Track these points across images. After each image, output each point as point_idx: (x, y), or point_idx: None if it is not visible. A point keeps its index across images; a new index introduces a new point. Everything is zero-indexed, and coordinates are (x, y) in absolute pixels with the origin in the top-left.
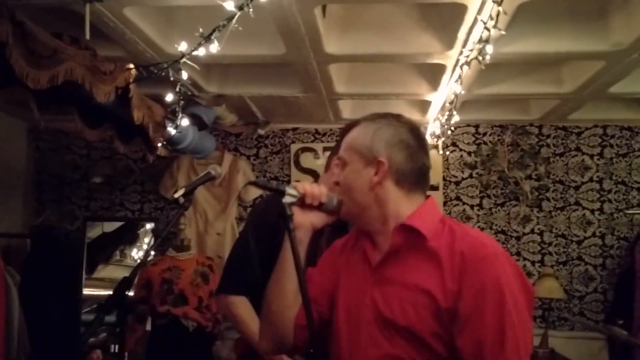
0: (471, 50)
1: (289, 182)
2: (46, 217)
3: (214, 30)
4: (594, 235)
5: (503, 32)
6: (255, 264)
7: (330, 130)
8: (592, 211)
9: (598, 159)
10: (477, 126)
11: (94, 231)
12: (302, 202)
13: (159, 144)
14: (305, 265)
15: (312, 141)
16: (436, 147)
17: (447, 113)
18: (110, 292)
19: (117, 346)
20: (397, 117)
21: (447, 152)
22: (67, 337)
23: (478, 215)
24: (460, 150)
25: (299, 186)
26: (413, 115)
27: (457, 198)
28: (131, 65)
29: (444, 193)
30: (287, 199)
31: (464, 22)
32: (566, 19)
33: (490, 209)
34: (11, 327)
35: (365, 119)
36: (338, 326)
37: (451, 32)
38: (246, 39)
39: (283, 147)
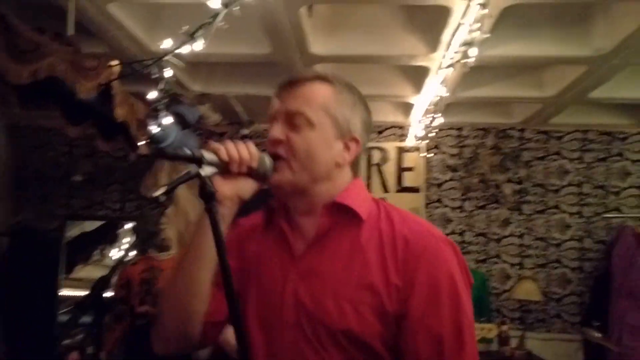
0: (455, 53)
1: None
2: (25, 216)
3: (199, 28)
4: (572, 238)
5: (487, 35)
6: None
7: None
8: (571, 214)
9: (577, 163)
10: (460, 129)
11: (74, 230)
12: (225, 169)
13: (141, 142)
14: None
15: None
16: (419, 149)
17: (430, 115)
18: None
19: (94, 347)
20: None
21: (430, 155)
22: (43, 337)
23: (459, 218)
24: (443, 152)
25: (220, 150)
26: (397, 117)
27: (439, 200)
28: (115, 62)
29: (426, 195)
30: (206, 171)
31: (449, 25)
32: (549, 24)
33: (471, 211)
34: None
35: (340, 83)
36: (249, 331)
37: (436, 35)
38: (231, 38)
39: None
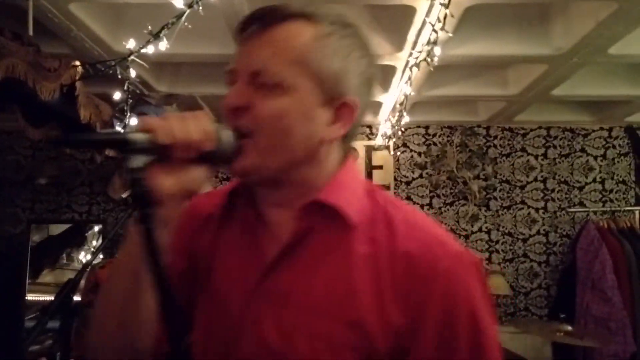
0: (420, 52)
1: None
2: None
3: (162, 28)
4: (538, 233)
5: (451, 35)
6: None
7: None
8: (537, 210)
9: (542, 160)
10: (427, 127)
11: (40, 234)
12: (166, 155)
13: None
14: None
15: None
16: (387, 147)
17: (397, 114)
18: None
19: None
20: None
21: (398, 153)
22: (10, 344)
23: (428, 214)
24: (411, 150)
25: (158, 128)
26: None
27: (408, 198)
28: (77, 63)
29: (395, 193)
30: (136, 160)
31: (413, 25)
32: (511, 24)
33: (439, 208)
34: None
35: (328, 21)
36: (196, 355)
37: (401, 34)
38: (197, 38)
39: None
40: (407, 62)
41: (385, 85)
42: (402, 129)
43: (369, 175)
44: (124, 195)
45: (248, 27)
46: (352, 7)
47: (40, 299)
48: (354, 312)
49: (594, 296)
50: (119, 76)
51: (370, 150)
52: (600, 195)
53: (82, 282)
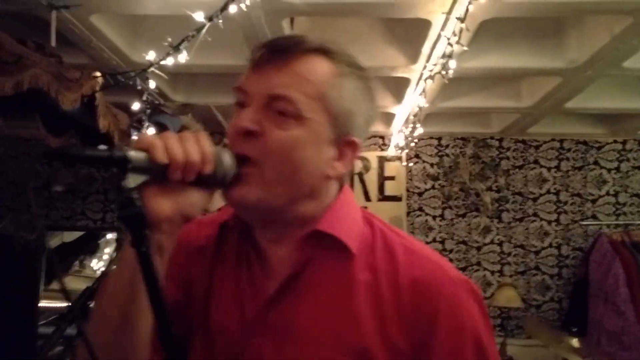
0: (435, 64)
1: None
2: (4, 226)
3: (183, 41)
4: (550, 245)
5: (465, 48)
6: None
7: None
8: (549, 222)
9: (555, 172)
10: (439, 138)
11: (54, 241)
12: (163, 176)
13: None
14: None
15: None
16: (400, 158)
17: (410, 125)
18: (69, 304)
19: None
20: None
21: (411, 164)
22: (23, 350)
23: (440, 226)
24: (423, 162)
25: (156, 147)
26: (378, 127)
27: (420, 209)
28: (98, 73)
29: (407, 204)
30: (132, 179)
31: (428, 38)
32: (525, 37)
33: (451, 219)
34: None
35: (345, 61)
36: None
37: (416, 47)
38: (213, 49)
39: None
40: (422, 74)
41: (399, 97)
42: (415, 140)
43: (381, 185)
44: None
45: (266, 53)
46: (367, 20)
47: (53, 305)
48: (358, 339)
49: (607, 310)
50: (139, 87)
51: (382, 161)
52: (614, 209)
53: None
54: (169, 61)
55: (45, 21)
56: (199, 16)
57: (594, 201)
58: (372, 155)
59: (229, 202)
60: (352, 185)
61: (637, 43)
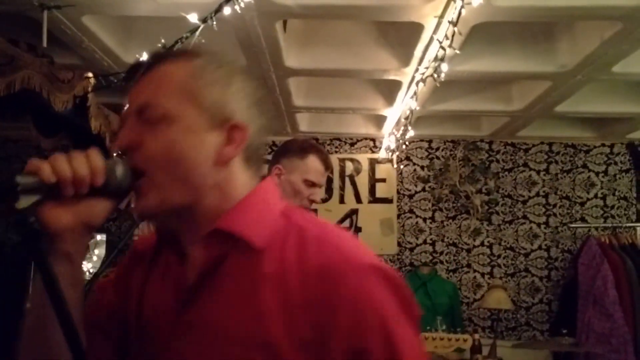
0: (427, 68)
1: None
2: None
3: (176, 42)
4: (540, 248)
5: (457, 51)
6: None
7: None
8: (539, 225)
9: (544, 175)
10: (430, 141)
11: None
12: (56, 193)
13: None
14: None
15: (269, 153)
16: (391, 160)
17: (402, 128)
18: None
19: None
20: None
21: (401, 166)
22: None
23: (430, 228)
24: (414, 164)
25: (42, 169)
26: (370, 129)
27: (411, 211)
28: (90, 74)
29: (397, 206)
30: (25, 201)
31: (421, 41)
32: (516, 41)
33: (442, 221)
34: None
35: (203, 58)
36: None
37: (408, 50)
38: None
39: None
40: (414, 77)
41: (391, 100)
42: (406, 143)
43: (372, 187)
44: (129, 205)
45: (132, 75)
46: (360, 23)
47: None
48: (263, 334)
49: (596, 312)
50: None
51: (374, 163)
52: (602, 211)
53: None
54: None
55: (36, 22)
56: (193, 18)
57: (582, 204)
58: (363, 158)
59: (137, 217)
60: (343, 187)
61: (626, 48)
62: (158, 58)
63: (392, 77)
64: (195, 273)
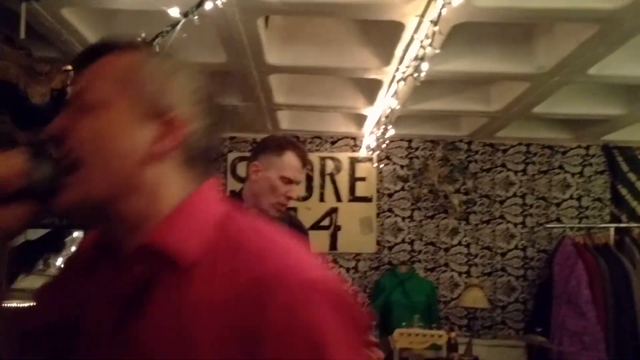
0: (407, 67)
1: (224, 191)
2: None
3: (157, 36)
4: (516, 247)
5: (438, 51)
6: None
7: None
8: (515, 225)
9: (521, 175)
10: (410, 141)
11: (17, 239)
12: None
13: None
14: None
15: (249, 150)
16: (371, 159)
17: (382, 127)
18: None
19: None
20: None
21: (381, 165)
22: None
23: (409, 227)
24: (394, 163)
25: None
26: (350, 128)
27: (390, 210)
28: (69, 67)
29: (377, 205)
30: None
31: (402, 40)
32: (495, 42)
33: (420, 221)
34: None
35: (149, 49)
36: None
37: (389, 49)
38: (186, 46)
39: (219, 155)
40: (394, 76)
41: (371, 99)
42: (386, 142)
43: (352, 186)
44: None
45: (77, 64)
46: (342, 22)
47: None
48: (191, 354)
49: (570, 310)
50: None
51: (354, 161)
52: (577, 212)
53: None
54: None
55: (15, 13)
56: (174, 12)
57: (558, 204)
58: (344, 156)
59: (58, 214)
60: (323, 186)
61: (603, 51)
62: (104, 47)
63: (373, 75)
64: (126, 291)
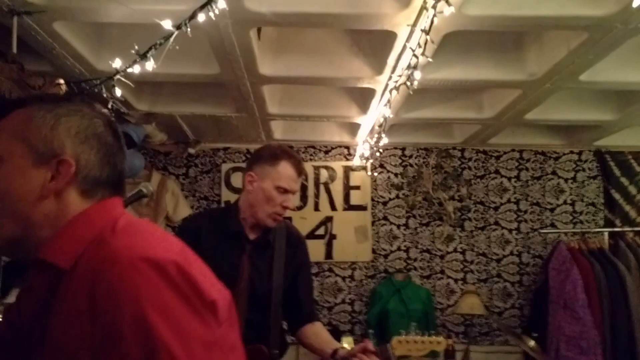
0: (400, 76)
1: (219, 202)
2: None
3: (150, 48)
4: (511, 253)
5: (430, 59)
6: None
7: None
8: (510, 230)
9: (515, 182)
10: (403, 149)
11: None
12: None
13: None
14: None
15: (244, 161)
16: (365, 168)
17: (375, 135)
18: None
19: None
20: (89, 105)
21: (375, 174)
22: None
23: (404, 235)
24: (388, 171)
25: None
26: (344, 137)
27: (385, 218)
28: (61, 81)
29: (372, 213)
30: None
31: (394, 49)
32: (487, 50)
33: (415, 228)
34: None
35: (38, 102)
36: None
37: (381, 58)
38: (179, 58)
39: (214, 166)
40: (387, 85)
41: (364, 108)
42: (380, 150)
43: (347, 195)
44: None
45: None
46: (334, 32)
47: None
48: (63, 353)
49: (566, 315)
50: (104, 95)
51: (348, 170)
52: (571, 217)
53: None
54: (136, 69)
55: (6, 28)
56: (167, 24)
57: (552, 210)
58: (338, 165)
59: None
60: (317, 195)
61: (593, 57)
62: (10, 106)
63: (365, 85)
64: (38, 297)
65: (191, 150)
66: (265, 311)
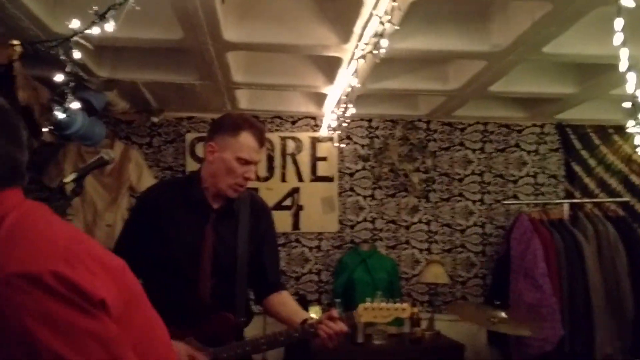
0: (367, 44)
1: (183, 172)
2: None
3: (109, 9)
4: (475, 224)
5: (397, 28)
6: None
7: None
8: (474, 202)
9: (479, 154)
10: (370, 120)
11: None
12: None
13: (45, 129)
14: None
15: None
16: (331, 139)
17: (342, 106)
18: None
19: None
20: None
21: (342, 145)
22: None
23: (370, 206)
24: (355, 143)
25: None
26: (310, 108)
27: (351, 189)
28: (15, 42)
29: (339, 184)
30: None
31: (360, 17)
32: (452, 20)
33: (381, 199)
34: None
35: None
36: None
37: (348, 26)
38: (141, 21)
39: (178, 136)
40: (354, 53)
41: (331, 77)
42: (347, 121)
43: (314, 166)
44: (66, 180)
45: None
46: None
47: None
48: None
49: (526, 284)
50: (62, 57)
51: (315, 141)
52: (533, 189)
53: None
54: (95, 31)
55: None
56: None
57: (515, 182)
58: (305, 136)
59: None
60: (284, 166)
61: (556, 29)
62: None
63: (332, 53)
64: None
65: (154, 119)
66: (230, 280)
